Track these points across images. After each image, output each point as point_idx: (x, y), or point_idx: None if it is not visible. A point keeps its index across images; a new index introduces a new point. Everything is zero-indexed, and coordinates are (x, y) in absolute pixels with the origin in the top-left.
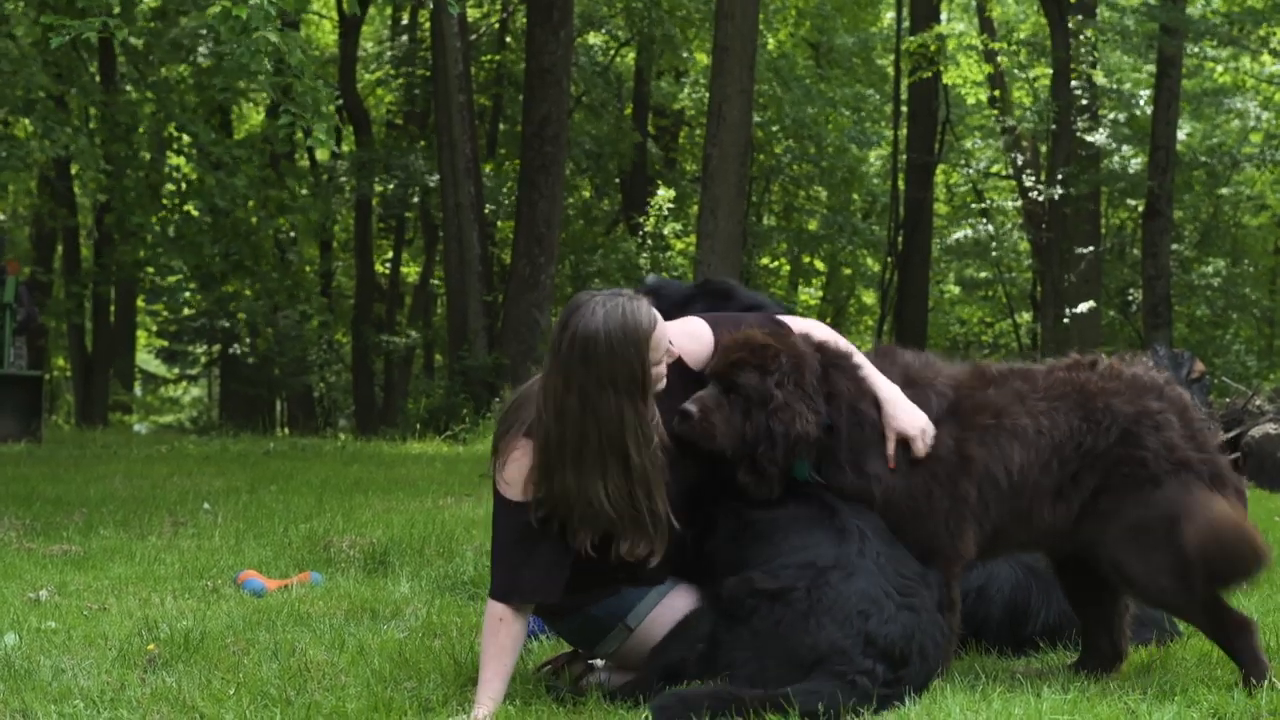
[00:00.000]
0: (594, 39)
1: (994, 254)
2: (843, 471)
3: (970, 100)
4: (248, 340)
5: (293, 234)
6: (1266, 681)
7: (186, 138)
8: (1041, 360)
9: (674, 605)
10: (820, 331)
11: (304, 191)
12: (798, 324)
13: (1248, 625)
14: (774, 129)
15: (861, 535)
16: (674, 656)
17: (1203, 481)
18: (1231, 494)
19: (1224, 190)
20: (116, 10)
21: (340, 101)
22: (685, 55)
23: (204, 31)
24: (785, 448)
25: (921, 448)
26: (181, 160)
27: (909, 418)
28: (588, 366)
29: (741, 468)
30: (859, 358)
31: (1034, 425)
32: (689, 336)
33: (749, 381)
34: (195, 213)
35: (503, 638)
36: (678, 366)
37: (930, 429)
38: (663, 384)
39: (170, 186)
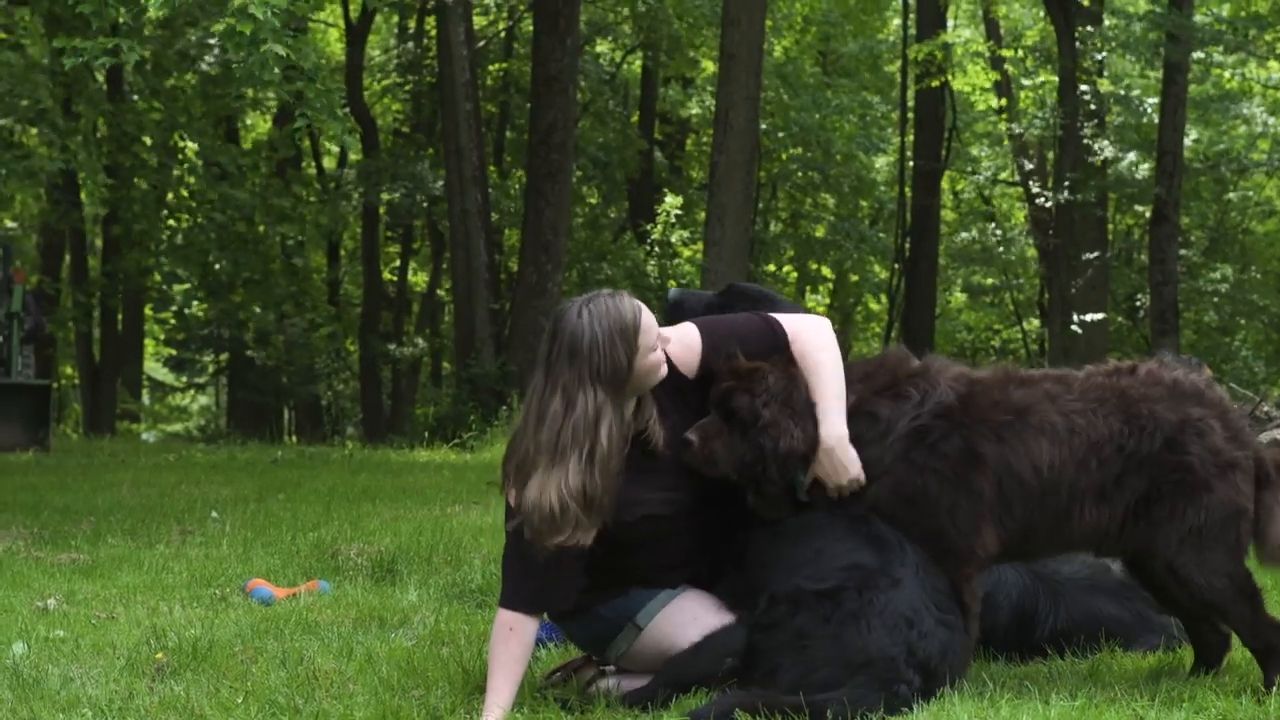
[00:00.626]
0: (601, 46)
1: (1001, 259)
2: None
3: (980, 106)
4: (257, 348)
5: (301, 239)
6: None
7: (192, 147)
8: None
9: (685, 606)
10: (812, 338)
11: (311, 199)
12: (792, 325)
13: None
14: (779, 135)
15: (900, 544)
16: (697, 671)
17: (1250, 478)
18: None
19: (1231, 195)
20: (122, 20)
21: (347, 109)
22: (692, 55)
23: (210, 41)
24: (777, 464)
25: (834, 493)
26: (186, 170)
27: (833, 468)
28: (574, 364)
29: (749, 492)
30: (830, 386)
31: (1066, 424)
32: (681, 344)
33: (741, 405)
34: (202, 220)
35: (512, 646)
36: (671, 372)
37: (855, 482)
38: (663, 371)
39: (182, 193)
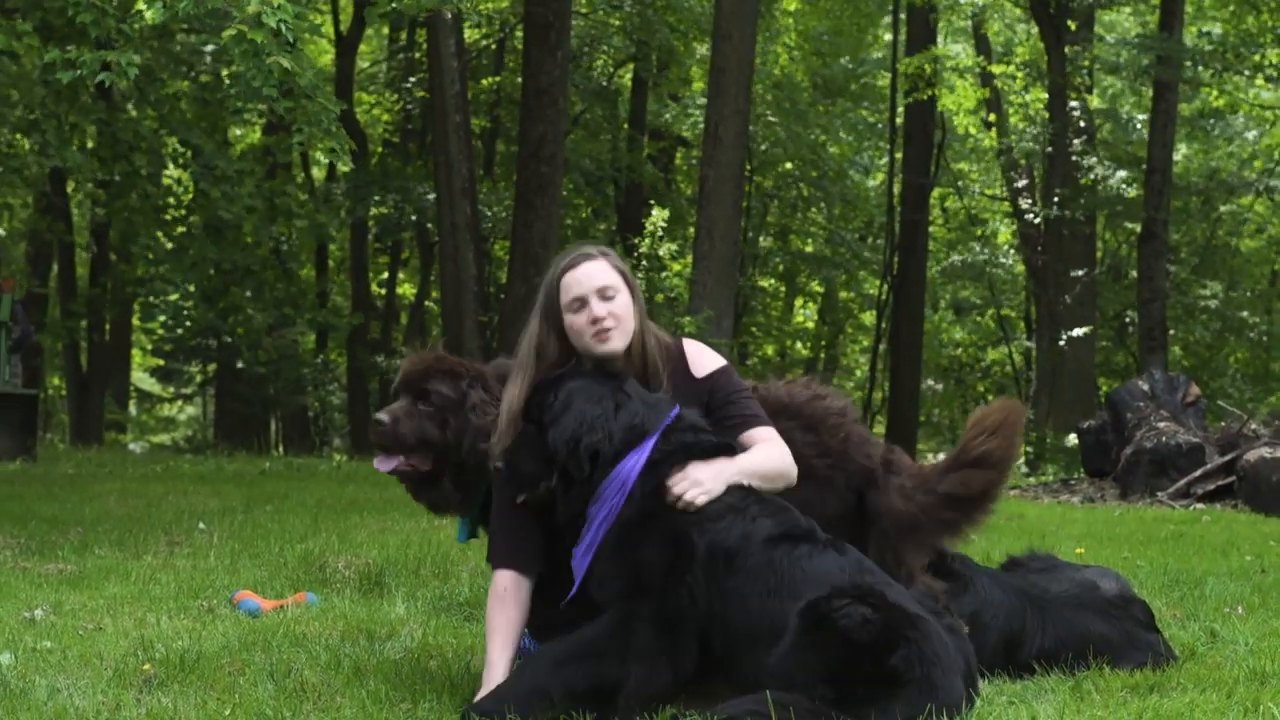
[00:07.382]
0: (598, 60)
1: (990, 275)
2: None
3: (963, 129)
4: (248, 354)
5: (294, 236)
6: None
7: (188, 152)
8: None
9: None
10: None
11: (301, 210)
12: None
13: None
14: (762, 148)
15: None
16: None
17: (830, 490)
18: (888, 486)
19: (1225, 206)
20: (115, 27)
21: (341, 127)
22: (683, 68)
23: (205, 47)
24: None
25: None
26: (182, 173)
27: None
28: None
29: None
30: None
31: None
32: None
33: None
34: (196, 220)
35: (510, 610)
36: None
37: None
38: (605, 346)
39: (173, 199)
